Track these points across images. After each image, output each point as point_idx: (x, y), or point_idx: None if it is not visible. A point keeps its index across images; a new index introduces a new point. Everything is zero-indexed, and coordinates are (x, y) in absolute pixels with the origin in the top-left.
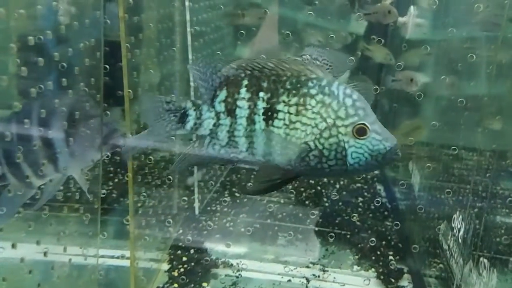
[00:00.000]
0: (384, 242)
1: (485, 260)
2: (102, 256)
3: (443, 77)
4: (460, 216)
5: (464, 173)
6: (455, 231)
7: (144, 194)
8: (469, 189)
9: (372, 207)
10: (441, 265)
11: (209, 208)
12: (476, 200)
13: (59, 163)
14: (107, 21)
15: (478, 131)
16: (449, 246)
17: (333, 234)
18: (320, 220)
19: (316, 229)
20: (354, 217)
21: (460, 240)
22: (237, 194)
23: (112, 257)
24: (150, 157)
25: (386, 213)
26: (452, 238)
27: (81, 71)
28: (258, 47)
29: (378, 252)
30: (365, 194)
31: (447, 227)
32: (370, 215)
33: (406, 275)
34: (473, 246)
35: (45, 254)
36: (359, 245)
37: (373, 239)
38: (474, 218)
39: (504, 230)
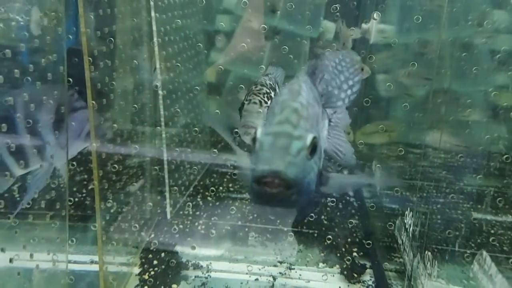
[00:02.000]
0: (349, 239)
1: (429, 253)
2: (75, 262)
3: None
4: (411, 213)
5: (415, 170)
6: (407, 226)
7: (112, 200)
8: (417, 186)
9: (340, 206)
10: (401, 260)
11: (181, 212)
12: (423, 197)
13: (45, 153)
14: (69, 36)
15: (428, 130)
16: (402, 241)
17: (292, 234)
18: (289, 220)
19: (285, 229)
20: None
21: (410, 235)
22: (209, 198)
23: (84, 262)
24: (115, 165)
25: (353, 211)
26: (404, 233)
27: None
28: (232, 52)
29: (343, 249)
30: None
31: (401, 223)
32: (338, 213)
33: (368, 270)
34: (420, 240)
35: (10, 260)
36: (325, 243)
37: (338, 237)
38: (421, 214)
39: (448, 225)
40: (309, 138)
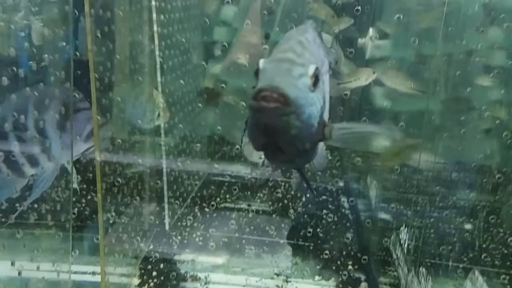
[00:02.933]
0: (344, 253)
1: (423, 269)
2: (75, 273)
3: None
4: (406, 228)
5: (412, 185)
6: (402, 241)
7: (114, 212)
8: (413, 202)
9: (336, 218)
10: (395, 273)
11: (179, 224)
12: (418, 212)
13: (51, 152)
14: (77, 53)
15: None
16: (397, 255)
17: (290, 248)
18: (286, 232)
19: (281, 241)
20: (317, 229)
21: (405, 250)
22: (207, 209)
23: (85, 273)
24: (119, 179)
25: (348, 224)
26: (399, 248)
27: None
28: (230, 65)
29: (338, 262)
30: (330, 206)
31: (396, 237)
32: (333, 226)
33: (363, 284)
34: (414, 255)
35: (19, 273)
36: (321, 256)
37: (333, 250)
38: (416, 230)
39: (441, 241)
40: (311, 68)
